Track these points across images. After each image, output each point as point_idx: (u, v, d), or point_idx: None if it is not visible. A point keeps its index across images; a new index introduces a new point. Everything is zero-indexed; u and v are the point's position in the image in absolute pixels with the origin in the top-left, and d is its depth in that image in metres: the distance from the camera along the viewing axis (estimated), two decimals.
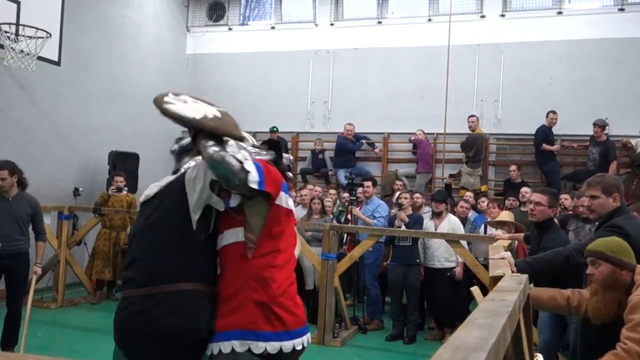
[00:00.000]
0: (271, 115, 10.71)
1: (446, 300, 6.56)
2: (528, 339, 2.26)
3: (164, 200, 2.44)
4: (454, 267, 6.61)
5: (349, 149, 10.07)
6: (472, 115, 9.42)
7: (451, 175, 9.59)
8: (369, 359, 5.92)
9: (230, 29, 11.64)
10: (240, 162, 2.30)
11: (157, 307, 2.29)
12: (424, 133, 9.80)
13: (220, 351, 2.30)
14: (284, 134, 10.51)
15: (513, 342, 1.83)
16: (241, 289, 2.34)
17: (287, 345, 2.33)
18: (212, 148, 2.32)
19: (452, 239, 6.22)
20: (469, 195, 8.02)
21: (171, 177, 2.55)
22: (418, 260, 6.59)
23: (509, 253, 3.61)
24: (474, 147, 9.22)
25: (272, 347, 2.30)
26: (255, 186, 2.29)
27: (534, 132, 9.06)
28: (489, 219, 7.03)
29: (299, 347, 2.38)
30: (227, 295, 2.37)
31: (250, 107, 11.05)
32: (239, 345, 2.29)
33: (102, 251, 7.82)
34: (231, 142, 2.50)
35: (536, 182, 9.21)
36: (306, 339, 2.44)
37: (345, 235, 7.35)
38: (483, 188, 9.27)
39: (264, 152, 2.61)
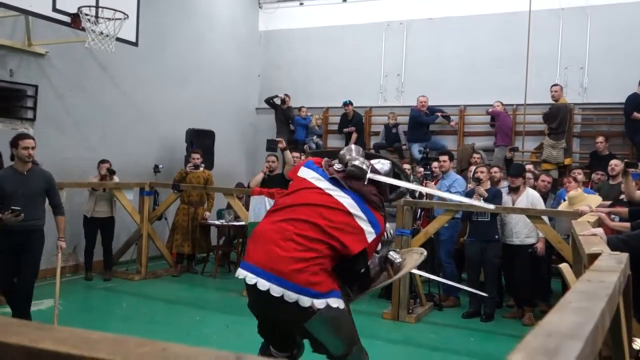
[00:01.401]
0: (343, 89, 10.59)
1: (526, 277, 6.30)
2: (627, 323, 2.08)
3: None
4: (534, 244, 6.32)
5: (424, 122, 9.82)
6: (555, 85, 8.91)
7: (512, 149, 9.15)
8: (444, 335, 5.80)
9: (301, 3, 11.55)
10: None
11: None
12: (502, 104, 9.37)
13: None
14: (357, 108, 10.39)
15: (611, 328, 1.68)
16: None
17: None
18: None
19: (533, 215, 5.93)
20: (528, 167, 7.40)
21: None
22: (497, 236, 6.35)
23: (601, 229, 3.35)
24: (557, 117, 8.73)
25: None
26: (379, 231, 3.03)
27: (623, 100, 8.44)
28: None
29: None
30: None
31: (323, 82, 10.99)
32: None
33: (181, 226, 8.08)
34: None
35: (625, 154, 8.60)
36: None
37: (420, 211, 7.19)
38: (567, 161, 8.79)
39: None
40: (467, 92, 9.88)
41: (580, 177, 7.15)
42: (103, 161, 7.59)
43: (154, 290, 7.22)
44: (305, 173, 3.17)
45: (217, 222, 8.33)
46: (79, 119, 8.14)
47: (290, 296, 2.75)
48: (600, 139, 8.44)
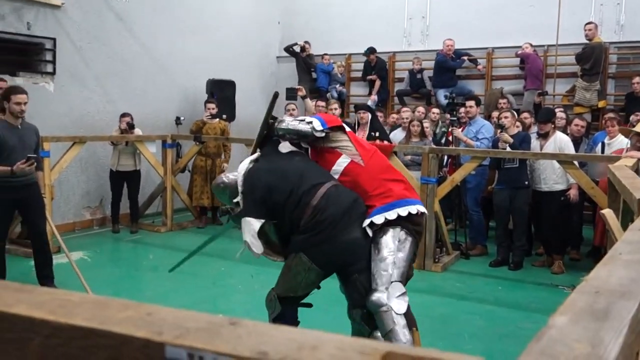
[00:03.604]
0: (365, 35, 10.26)
1: (555, 224, 6.13)
2: None
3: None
4: (563, 190, 6.11)
5: (450, 66, 9.49)
6: (590, 23, 8.45)
7: (541, 94, 8.80)
8: (471, 284, 5.72)
9: None
10: (303, 120, 3.35)
11: None
12: (531, 46, 8.97)
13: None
14: (380, 54, 10.08)
15: None
16: (380, 182, 3.23)
17: (421, 208, 3.20)
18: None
19: (564, 160, 5.72)
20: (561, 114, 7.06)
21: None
22: (527, 182, 6.16)
23: None
24: (591, 58, 8.33)
25: (418, 208, 3.17)
26: (319, 128, 3.26)
27: None
28: (607, 138, 6.41)
29: (403, 214, 3.10)
30: (376, 192, 3.21)
31: (344, 28, 10.65)
32: (402, 211, 3.13)
33: (199, 178, 8.04)
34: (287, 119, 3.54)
35: None
36: (410, 209, 3.13)
37: (446, 158, 7.02)
38: (601, 104, 8.45)
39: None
40: (495, 33, 9.47)
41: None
42: (124, 114, 7.53)
43: (179, 242, 7.27)
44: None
45: None
46: (99, 72, 8.05)
47: None
48: (637, 79, 8.03)
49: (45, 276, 5.00)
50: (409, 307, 3.08)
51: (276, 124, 3.40)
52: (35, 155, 4.78)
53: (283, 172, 3.20)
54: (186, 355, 0.61)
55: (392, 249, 3.05)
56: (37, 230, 5.05)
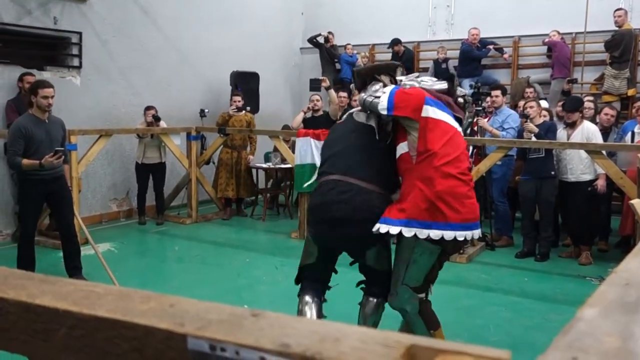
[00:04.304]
0: (389, 24, 10.17)
1: (583, 215, 6.02)
2: None
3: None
4: (590, 180, 5.99)
5: (475, 56, 9.36)
6: (619, 9, 8.25)
7: (570, 81, 8.61)
8: (496, 276, 5.66)
9: None
10: (378, 97, 3.13)
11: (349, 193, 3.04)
12: (559, 34, 8.79)
13: (387, 232, 2.96)
14: (404, 44, 9.98)
15: None
16: (411, 188, 3.01)
17: (448, 234, 2.94)
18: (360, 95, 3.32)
19: (592, 149, 5.60)
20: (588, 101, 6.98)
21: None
22: (553, 173, 6.06)
23: None
24: (621, 45, 8.13)
25: (434, 234, 2.94)
26: (384, 112, 3.08)
27: None
28: (637, 127, 6.26)
29: (460, 238, 2.98)
30: (403, 194, 3.07)
31: (368, 18, 10.59)
32: (407, 231, 2.96)
33: (224, 170, 8.08)
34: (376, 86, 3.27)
35: None
36: (470, 233, 3.02)
37: (472, 148, 6.93)
38: (630, 92, 8.24)
39: (438, 83, 3.31)
40: (522, 21, 9.30)
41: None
42: (149, 107, 7.61)
43: (204, 234, 7.34)
44: (439, 115, 3.08)
45: (263, 165, 8.31)
46: (124, 65, 8.14)
47: None
48: None
49: (73, 267, 5.09)
50: (427, 308, 3.15)
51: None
52: (62, 149, 4.85)
53: (325, 146, 3.44)
54: (208, 347, 0.61)
55: (406, 258, 3.08)
56: (66, 222, 5.12)
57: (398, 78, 3.33)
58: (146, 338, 0.63)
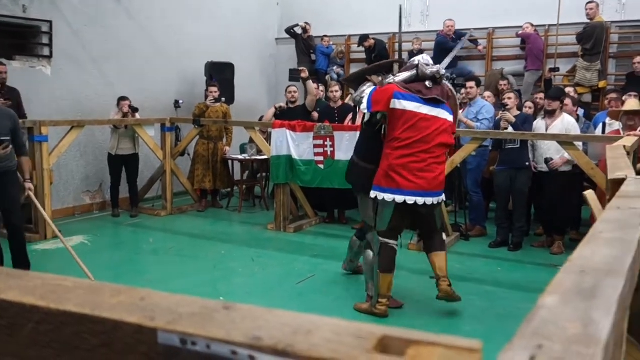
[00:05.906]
0: (364, 15, 10.17)
1: (555, 205, 6.13)
2: None
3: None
4: (567, 171, 6.09)
5: (450, 47, 9.38)
6: (591, 2, 8.38)
7: (552, 70, 8.71)
8: (470, 265, 5.74)
9: None
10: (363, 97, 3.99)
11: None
12: (532, 26, 8.89)
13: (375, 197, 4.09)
14: (379, 35, 9.99)
15: None
16: (381, 162, 4.04)
17: (398, 198, 3.91)
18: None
19: (564, 141, 5.70)
20: (568, 90, 7.19)
21: None
22: (527, 163, 6.15)
23: None
24: (593, 37, 8.26)
25: (388, 197, 3.93)
26: (365, 110, 3.99)
27: None
28: (608, 119, 6.36)
29: (410, 202, 3.90)
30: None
31: (343, 9, 10.57)
32: (372, 194, 4.07)
33: (200, 161, 8.02)
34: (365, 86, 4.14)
35: None
36: (422, 200, 3.92)
37: None
38: (601, 84, 8.39)
39: (403, 74, 4.02)
40: (496, 13, 9.39)
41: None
42: (123, 98, 7.49)
43: (179, 226, 7.29)
44: (405, 105, 3.88)
45: (239, 157, 8.26)
46: (97, 55, 7.99)
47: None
48: (638, 59, 7.97)
49: (21, 264, 4.91)
50: (387, 252, 4.02)
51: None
52: (8, 139, 4.59)
53: None
54: (179, 341, 0.60)
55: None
56: (10, 222, 4.88)
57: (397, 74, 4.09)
58: (115, 332, 0.63)
